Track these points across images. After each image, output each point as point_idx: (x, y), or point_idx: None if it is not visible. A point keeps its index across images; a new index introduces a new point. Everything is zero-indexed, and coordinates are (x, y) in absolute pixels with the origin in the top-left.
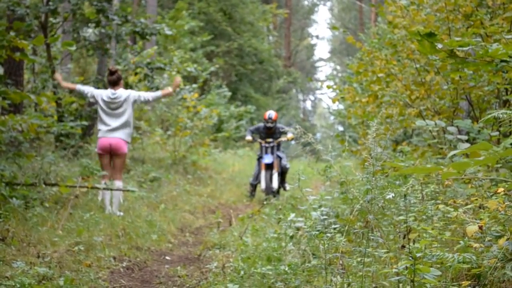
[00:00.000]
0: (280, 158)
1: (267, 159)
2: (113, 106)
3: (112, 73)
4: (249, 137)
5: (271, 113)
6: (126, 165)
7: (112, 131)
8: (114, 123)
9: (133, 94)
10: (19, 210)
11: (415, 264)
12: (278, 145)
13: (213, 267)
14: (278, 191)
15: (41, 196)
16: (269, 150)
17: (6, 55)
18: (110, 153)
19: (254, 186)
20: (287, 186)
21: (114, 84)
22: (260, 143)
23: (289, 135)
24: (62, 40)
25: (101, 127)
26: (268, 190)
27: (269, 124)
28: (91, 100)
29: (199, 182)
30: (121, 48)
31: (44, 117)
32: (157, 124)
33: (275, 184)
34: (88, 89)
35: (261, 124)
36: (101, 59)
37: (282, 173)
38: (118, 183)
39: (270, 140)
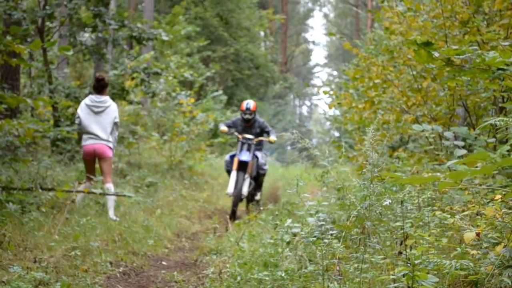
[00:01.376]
0: (257, 158)
1: (244, 155)
2: (96, 110)
3: (98, 80)
4: (223, 127)
5: (249, 103)
6: (113, 167)
7: (96, 139)
8: (98, 130)
9: (116, 113)
10: (15, 214)
11: (413, 271)
12: (259, 144)
13: (210, 273)
14: (250, 199)
15: (38, 200)
16: (245, 147)
17: (2, 59)
18: (95, 158)
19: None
20: (258, 195)
21: (98, 91)
22: (237, 137)
23: (272, 137)
24: (59, 44)
25: (85, 135)
26: (236, 196)
27: (247, 116)
28: (77, 121)
29: (195, 187)
30: (118, 53)
31: (41, 122)
32: (153, 129)
33: (245, 189)
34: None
35: (239, 117)
36: (98, 64)
37: (258, 178)
38: (109, 186)
39: (250, 136)
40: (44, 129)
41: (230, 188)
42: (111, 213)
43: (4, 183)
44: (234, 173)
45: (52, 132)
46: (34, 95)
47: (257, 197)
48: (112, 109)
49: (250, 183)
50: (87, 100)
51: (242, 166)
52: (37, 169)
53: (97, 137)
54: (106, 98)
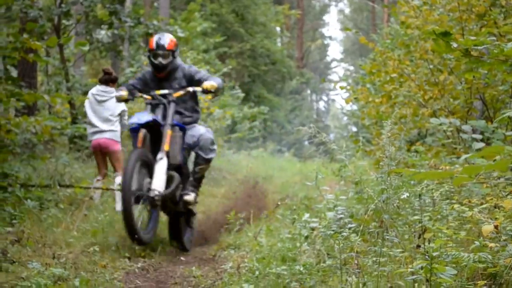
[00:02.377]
0: (182, 130)
1: (143, 116)
2: (100, 99)
3: (105, 73)
4: (122, 92)
5: (162, 37)
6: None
7: (99, 132)
8: (98, 121)
9: (122, 105)
10: (34, 211)
11: (431, 264)
12: (193, 110)
13: (228, 268)
14: (179, 206)
15: (56, 197)
16: (159, 110)
17: (19, 56)
18: (101, 152)
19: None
20: (191, 195)
21: (102, 83)
22: (145, 98)
23: (209, 83)
24: (75, 42)
25: (89, 129)
26: (128, 193)
27: (160, 60)
28: (85, 111)
29: (213, 183)
30: (134, 50)
31: (58, 119)
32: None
33: (157, 183)
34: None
35: (149, 70)
36: (114, 61)
37: (194, 166)
38: (119, 177)
39: (165, 91)
40: (61, 126)
41: (122, 190)
42: (118, 207)
43: (23, 180)
44: (131, 158)
45: (69, 129)
46: (51, 93)
47: (189, 197)
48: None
49: (172, 176)
50: (93, 90)
51: (152, 136)
52: (55, 166)
53: (98, 128)
54: (111, 89)
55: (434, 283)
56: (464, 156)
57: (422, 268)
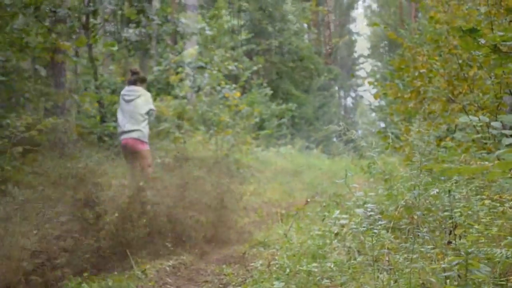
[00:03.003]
0: None
1: None
2: (128, 98)
3: (132, 73)
4: None
5: None
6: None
7: (126, 133)
8: (125, 120)
9: (149, 104)
10: None
11: (467, 260)
12: None
13: (259, 265)
14: None
15: None
16: None
17: (49, 57)
18: (130, 151)
19: None
20: None
21: (130, 83)
22: None
23: None
24: (103, 41)
25: (118, 129)
26: None
27: None
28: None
29: (242, 180)
30: (162, 48)
31: (87, 119)
32: (199, 123)
33: None
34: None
35: None
36: (142, 60)
37: None
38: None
39: None
40: (90, 125)
41: None
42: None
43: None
44: None
45: (98, 128)
46: (80, 92)
47: None
48: (144, 98)
49: None
50: (123, 91)
51: None
52: (85, 165)
53: (126, 128)
54: (139, 88)
55: (467, 279)
56: (496, 153)
57: (457, 264)
